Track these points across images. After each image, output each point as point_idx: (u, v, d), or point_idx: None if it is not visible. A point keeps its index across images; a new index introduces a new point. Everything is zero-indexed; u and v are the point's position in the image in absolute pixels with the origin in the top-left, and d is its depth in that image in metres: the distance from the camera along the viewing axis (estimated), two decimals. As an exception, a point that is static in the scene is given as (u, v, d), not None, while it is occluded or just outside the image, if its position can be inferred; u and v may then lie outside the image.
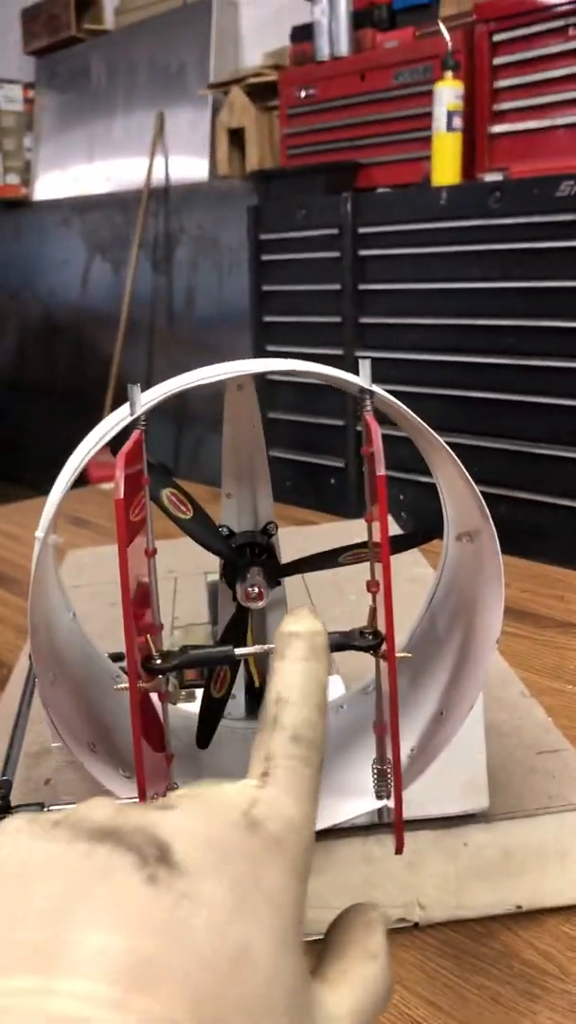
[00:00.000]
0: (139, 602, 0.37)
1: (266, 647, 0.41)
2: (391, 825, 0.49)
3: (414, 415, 0.43)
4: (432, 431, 0.42)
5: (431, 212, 2.23)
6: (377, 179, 2.56)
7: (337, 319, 2.46)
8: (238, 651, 0.41)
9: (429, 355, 2.23)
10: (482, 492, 0.44)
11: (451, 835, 0.49)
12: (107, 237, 3.69)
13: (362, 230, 2.37)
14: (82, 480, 0.50)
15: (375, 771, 0.46)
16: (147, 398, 0.42)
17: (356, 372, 0.43)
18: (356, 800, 0.48)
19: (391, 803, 0.47)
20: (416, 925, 0.51)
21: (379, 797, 0.47)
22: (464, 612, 0.48)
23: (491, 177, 2.27)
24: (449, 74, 2.25)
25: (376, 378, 0.43)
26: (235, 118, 2.93)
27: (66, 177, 4.02)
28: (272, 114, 2.89)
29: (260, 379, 0.50)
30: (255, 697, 0.57)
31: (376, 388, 0.42)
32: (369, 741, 0.51)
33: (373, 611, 0.39)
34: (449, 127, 2.26)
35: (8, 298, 4.33)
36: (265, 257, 2.63)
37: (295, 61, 2.75)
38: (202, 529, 0.48)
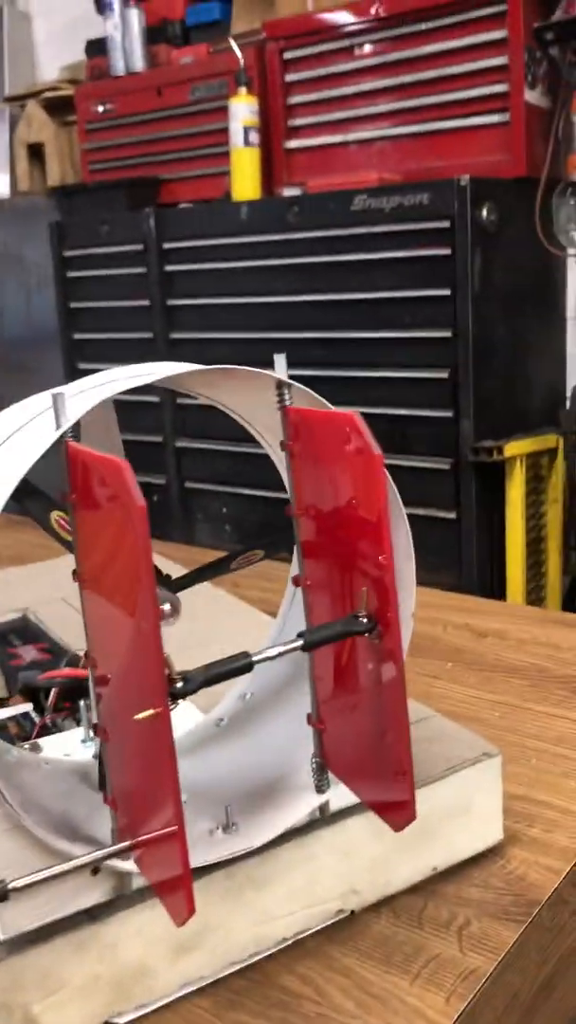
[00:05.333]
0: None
1: (289, 645, 0.41)
2: (328, 819, 0.49)
3: (326, 402, 0.44)
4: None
5: (233, 227, 2.25)
6: (179, 194, 2.56)
7: (149, 335, 2.45)
8: (256, 656, 0.40)
9: (240, 368, 2.25)
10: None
11: (377, 817, 0.50)
12: None
13: (167, 245, 2.37)
14: None
15: (314, 765, 0.47)
16: (73, 408, 0.40)
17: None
18: (295, 801, 0.48)
19: (332, 795, 0.48)
20: (352, 913, 0.52)
21: (320, 791, 0.47)
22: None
23: (289, 191, 2.31)
24: (243, 90, 2.28)
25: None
26: (33, 133, 2.88)
27: None
28: (72, 129, 2.85)
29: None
30: None
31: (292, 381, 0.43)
32: (269, 743, 0.51)
33: (364, 594, 0.40)
34: (246, 142, 2.29)
35: None
36: (71, 274, 2.60)
37: (92, 75, 2.72)
38: None
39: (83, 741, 0.61)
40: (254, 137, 2.30)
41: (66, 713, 0.70)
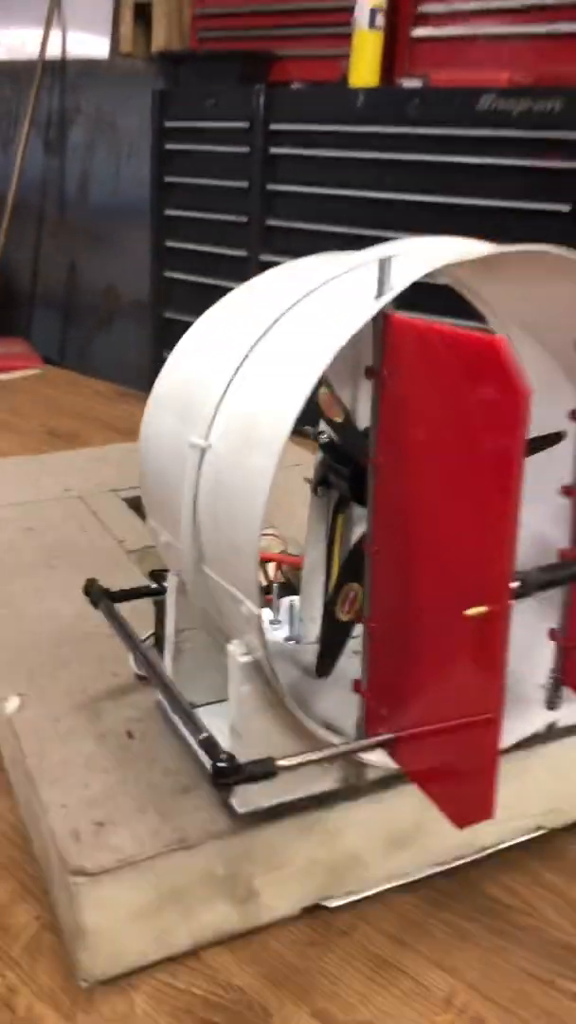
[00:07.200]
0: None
1: None
2: (550, 735, 0.48)
3: None
4: None
5: (347, 114, 2.15)
6: (292, 73, 2.45)
7: (243, 219, 2.37)
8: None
9: (338, 264, 2.19)
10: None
11: None
12: (-8, 110, 3.44)
13: (274, 126, 2.28)
14: None
15: (551, 680, 0.46)
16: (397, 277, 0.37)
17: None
18: (525, 714, 0.48)
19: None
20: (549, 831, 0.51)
21: (551, 707, 0.46)
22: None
23: (410, 83, 2.20)
24: (374, -33, 2.16)
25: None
26: (141, -9, 2.75)
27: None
28: (182, -9, 2.72)
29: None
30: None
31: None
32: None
33: None
34: (371, 24, 2.18)
35: None
36: (169, 146, 2.51)
37: None
38: (352, 436, 0.44)
39: (271, 622, 0.60)
40: (380, 20, 2.19)
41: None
